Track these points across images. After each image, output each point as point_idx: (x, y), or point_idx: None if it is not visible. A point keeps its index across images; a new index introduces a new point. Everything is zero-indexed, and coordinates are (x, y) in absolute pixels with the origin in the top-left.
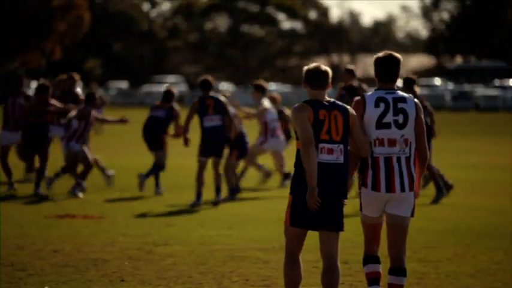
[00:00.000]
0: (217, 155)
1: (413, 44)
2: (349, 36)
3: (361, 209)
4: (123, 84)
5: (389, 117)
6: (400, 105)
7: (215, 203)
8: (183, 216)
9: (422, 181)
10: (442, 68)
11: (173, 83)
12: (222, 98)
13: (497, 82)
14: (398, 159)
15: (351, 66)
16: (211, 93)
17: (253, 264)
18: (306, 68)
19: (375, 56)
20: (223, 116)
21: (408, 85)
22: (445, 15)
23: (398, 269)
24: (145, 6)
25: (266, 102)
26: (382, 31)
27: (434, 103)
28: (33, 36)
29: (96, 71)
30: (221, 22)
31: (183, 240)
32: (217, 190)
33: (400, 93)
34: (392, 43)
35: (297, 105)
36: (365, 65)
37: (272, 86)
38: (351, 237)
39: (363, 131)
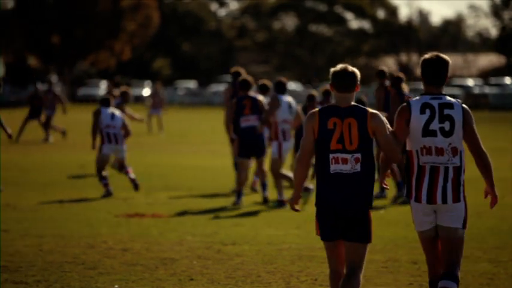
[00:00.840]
0: (258, 155)
1: (483, 43)
2: (417, 35)
3: (414, 226)
4: (191, 84)
5: (435, 125)
6: (446, 111)
7: (265, 200)
8: (251, 215)
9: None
10: None
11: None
12: (260, 98)
13: None
14: (446, 170)
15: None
16: (250, 94)
17: (321, 264)
18: (332, 69)
19: (422, 58)
20: (260, 116)
21: (396, 84)
22: None
23: (449, 275)
24: (214, 6)
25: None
26: (451, 30)
27: (504, 102)
28: (103, 36)
29: (165, 70)
30: (289, 21)
31: (251, 240)
32: (264, 186)
33: (448, 98)
34: (462, 42)
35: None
36: None
37: None
38: (417, 237)
39: (392, 137)
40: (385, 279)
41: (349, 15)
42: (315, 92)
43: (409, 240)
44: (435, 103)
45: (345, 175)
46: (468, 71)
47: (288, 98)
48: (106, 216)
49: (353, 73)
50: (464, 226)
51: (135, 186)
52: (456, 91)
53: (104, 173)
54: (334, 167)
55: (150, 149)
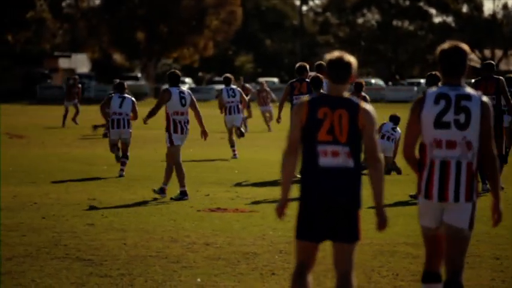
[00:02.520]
0: None
1: None
2: (502, 30)
3: (419, 220)
4: (274, 81)
5: (449, 116)
6: (463, 103)
7: None
8: None
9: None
10: None
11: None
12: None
13: None
14: (458, 165)
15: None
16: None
17: (403, 259)
18: (327, 56)
19: (439, 48)
20: None
21: (357, 89)
22: None
23: (453, 283)
24: (297, 2)
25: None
26: None
27: None
28: (187, 32)
29: (247, 66)
30: (372, 17)
31: None
32: None
33: (467, 89)
34: None
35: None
36: None
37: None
38: (503, 233)
39: (376, 142)
40: (467, 275)
41: (432, 10)
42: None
43: (492, 235)
44: (452, 94)
45: (335, 168)
46: None
47: (182, 89)
48: (189, 211)
49: (349, 63)
50: (471, 227)
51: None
52: None
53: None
54: (324, 160)
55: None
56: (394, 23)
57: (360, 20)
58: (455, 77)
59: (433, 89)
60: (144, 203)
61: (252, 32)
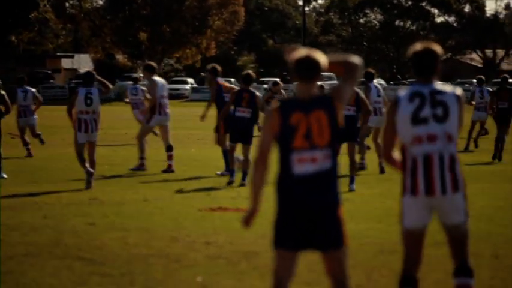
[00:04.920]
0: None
1: None
2: (504, 30)
3: (402, 221)
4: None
5: (426, 111)
6: (438, 97)
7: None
8: None
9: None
10: None
11: (326, 77)
12: (258, 93)
13: None
14: (441, 158)
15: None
16: (251, 88)
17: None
18: (293, 56)
19: (412, 49)
20: (254, 109)
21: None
22: None
23: (464, 270)
24: (299, 2)
25: (157, 78)
26: None
27: None
28: (189, 33)
29: (249, 66)
30: (374, 17)
31: None
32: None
33: (439, 85)
34: None
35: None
36: None
37: None
38: (503, 231)
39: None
40: None
41: (434, 10)
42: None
43: (491, 234)
44: (425, 90)
45: (313, 175)
46: None
47: (92, 89)
48: (190, 210)
49: (316, 60)
50: (467, 217)
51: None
52: None
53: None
54: (299, 168)
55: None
56: (397, 23)
57: (362, 20)
58: (427, 77)
59: (405, 90)
60: (145, 202)
61: (255, 32)
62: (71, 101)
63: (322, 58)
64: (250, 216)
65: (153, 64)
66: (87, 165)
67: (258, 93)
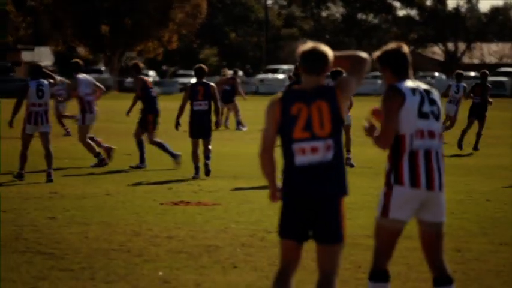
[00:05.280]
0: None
1: None
2: (465, 23)
3: (385, 214)
4: (239, 73)
5: (427, 107)
6: (431, 95)
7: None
8: None
9: None
10: None
11: (288, 71)
12: (213, 84)
13: None
14: (437, 154)
15: None
16: (204, 80)
17: (364, 252)
18: (301, 48)
19: (390, 49)
20: (210, 102)
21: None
22: None
23: (444, 279)
24: None
25: (80, 76)
26: (500, 18)
27: None
28: (151, 25)
29: (212, 60)
30: (336, 10)
31: None
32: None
33: (423, 84)
34: (510, 30)
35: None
36: (481, 53)
37: None
38: (464, 225)
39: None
40: (427, 268)
41: (396, 3)
42: None
43: (454, 228)
44: (420, 87)
45: (314, 166)
46: None
47: (42, 81)
48: (152, 204)
49: (324, 53)
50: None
51: None
52: (503, 78)
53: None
54: (300, 159)
55: None
56: (359, 16)
57: (325, 13)
58: (406, 74)
59: (397, 83)
60: (106, 196)
61: (217, 25)
62: (22, 94)
63: (329, 51)
64: (273, 192)
65: (79, 62)
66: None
67: (212, 84)
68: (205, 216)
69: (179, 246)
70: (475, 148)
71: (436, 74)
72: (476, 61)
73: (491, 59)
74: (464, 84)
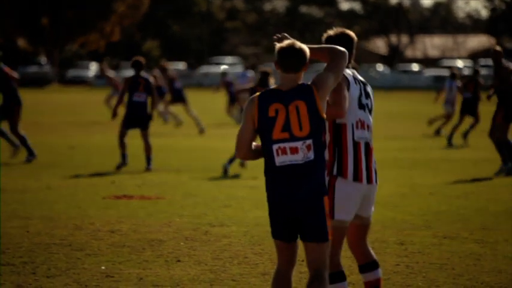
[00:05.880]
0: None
1: (473, 25)
2: (408, 17)
3: (330, 215)
4: (181, 66)
5: (363, 99)
6: (367, 88)
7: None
8: (238, 197)
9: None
10: (503, 49)
11: (231, 64)
12: (151, 79)
13: None
14: (371, 147)
15: None
16: (143, 74)
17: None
18: (278, 46)
19: (339, 32)
20: (148, 94)
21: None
22: None
23: (370, 264)
24: None
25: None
26: (442, 11)
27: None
28: (93, 18)
29: (154, 52)
30: (279, 3)
31: (239, 221)
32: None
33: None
34: (452, 23)
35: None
36: (424, 46)
37: None
38: (408, 218)
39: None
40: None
41: None
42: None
43: (397, 221)
44: (358, 77)
45: (295, 166)
46: (458, 52)
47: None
48: (94, 198)
49: (302, 50)
50: None
51: None
52: (446, 72)
53: None
54: (281, 159)
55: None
56: (302, 9)
57: (268, 6)
58: (350, 61)
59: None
60: (48, 190)
61: (160, 17)
62: None
63: (306, 48)
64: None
65: None
66: None
67: (150, 79)
68: (149, 210)
69: (122, 240)
70: (465, 136)
71: (381, 68)
72: (419, 54)
73: (434, 53)
74: (458, 84)
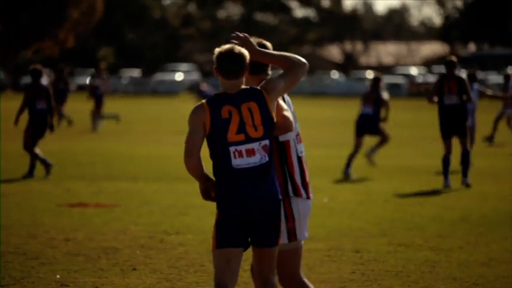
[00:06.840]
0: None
1: (427, 32)
2: (362, 24)
3: (293, 238)
4: (136, 73)
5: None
6: (287, 98)
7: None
8: (195, 205)
9: None
10: (456, 56)
11: (186, 71)
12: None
13: (510, 69)
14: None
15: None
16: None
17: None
18: (217, 50)
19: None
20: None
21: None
22: (459, 3)
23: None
24: None
25: None
26: (396, 19)
27: None
28: (46, 24)
29: (109, 59)
30: (234, 10)
31: (195, 229)
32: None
33: None
34: (406, 31)
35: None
36: (378, 53)
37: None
38: (363, 226)
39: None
40: (327, 268)
41: (294, 4)
42: None
43: (353, 229)
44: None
45: (252, 169)
46: (412, 59)
47: None
48: (48, 206)
49: (241, 55)
50: None
51: None
52: (399, 79)
53: None
54: (237, 162)
55: (94, 137)
56: (257, 16)
57: (223, 13)
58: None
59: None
60: (1, 197)
61: (114, 24)
62: None
63: (246, 52)
64: (204, 191)
65: None
66: None
67: (49, 87)
68: (104, 218)
69: (77, 248)
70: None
71: (335, 75)
72: (373, 61)
73: (388, 60)
74: (477, 87)
